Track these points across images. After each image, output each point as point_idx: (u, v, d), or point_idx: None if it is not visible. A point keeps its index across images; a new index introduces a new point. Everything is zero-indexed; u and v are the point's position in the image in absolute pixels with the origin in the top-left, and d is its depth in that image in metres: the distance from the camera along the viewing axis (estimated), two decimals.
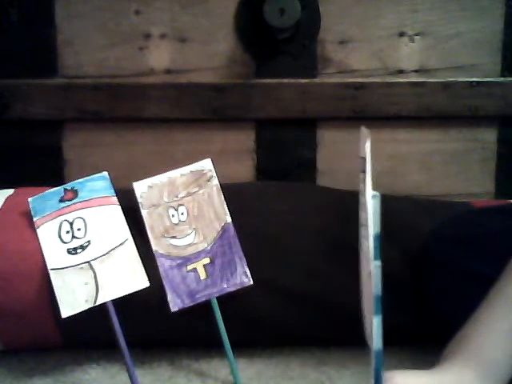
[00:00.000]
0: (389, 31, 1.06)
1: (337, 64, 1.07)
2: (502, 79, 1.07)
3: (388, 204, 0.87)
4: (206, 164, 0.80)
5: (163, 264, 0.74)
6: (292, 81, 1.06)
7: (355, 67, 1.07)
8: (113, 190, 0.78)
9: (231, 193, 0.79)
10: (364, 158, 0.43)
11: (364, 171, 0.43)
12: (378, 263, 0.39)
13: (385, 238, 0.79)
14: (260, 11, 0.97)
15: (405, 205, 0.87)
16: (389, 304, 0.78)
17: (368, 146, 0.43)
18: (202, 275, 0.74)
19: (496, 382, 0.55)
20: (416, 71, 1.07)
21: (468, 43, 1.07)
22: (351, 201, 0.89)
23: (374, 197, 0.41)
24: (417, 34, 1.06)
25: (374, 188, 1.02)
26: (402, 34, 1.06)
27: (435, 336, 0.65)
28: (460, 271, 0.72)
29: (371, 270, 0.39)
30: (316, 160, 1.09)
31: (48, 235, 0.74)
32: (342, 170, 1.09)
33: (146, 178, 0.79)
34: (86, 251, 0.73)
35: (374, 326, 0.40)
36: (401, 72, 1.07)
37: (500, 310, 0.57)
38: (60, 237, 0.74)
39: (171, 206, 0.77)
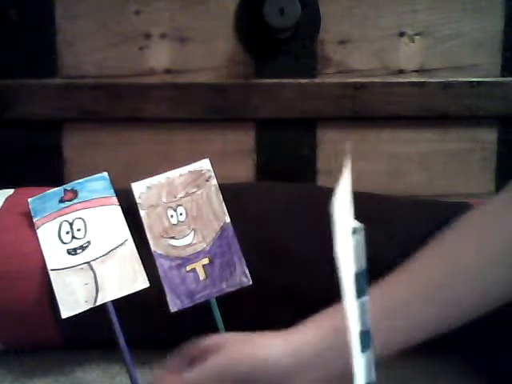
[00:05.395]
0: (389, 31, 1.06)
1: (337, 64, 1.07)
2: (502, 79, 1.07)
3: (388, 204, 0.87)
4: (205, 164, 0.79)
5: (162, 264, 0.74)
6: (292, 81, 1.06)
7: (355, 67, 1.07)
8: (113, 191, 0.78)
9: (230, 193, 0.79)
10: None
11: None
12: (366, 299, 0.35)
13: (385, 238, 0.80)
14: (260, 11, 0.97)
15: (405, 205, 0.87)
16: None
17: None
18: (202, 275, 0.74)
19: None
20: (416, 71, 1.07)
21: (468, 43, 1.07)
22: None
23: (355, 231, 0.31)
24: (417, 34, 1.06)
25: (374, 188, 1.00)
26: (402, 34, 1.06)
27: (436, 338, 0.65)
28: None
29: (356, 306, 0.35)
30: (316, 160, 1.09)
31: (48, 236, 0.74)
32: (341, 170, 1.09)
33: (145, 178, 0.78)
34: (86, 252, 0.73)
35: (365, 361, 0.36)
36: (401, 72, 1.07)
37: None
38: (60, 237, 0.74)
39: (170, 207, 0.77)
